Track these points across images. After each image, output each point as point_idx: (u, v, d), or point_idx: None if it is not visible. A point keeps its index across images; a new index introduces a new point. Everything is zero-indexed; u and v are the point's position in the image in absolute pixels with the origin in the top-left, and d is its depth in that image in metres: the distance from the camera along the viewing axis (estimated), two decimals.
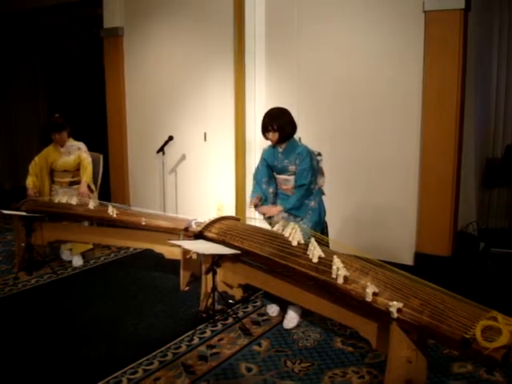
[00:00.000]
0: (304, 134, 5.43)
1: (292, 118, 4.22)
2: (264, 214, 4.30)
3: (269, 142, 4.28)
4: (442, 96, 4.95)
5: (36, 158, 5.69)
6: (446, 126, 4.96)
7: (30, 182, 5.61)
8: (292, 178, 4.21)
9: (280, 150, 4.22)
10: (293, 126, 4.20)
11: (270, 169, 4.34)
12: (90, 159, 5.65)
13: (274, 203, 4.33)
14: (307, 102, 5.77)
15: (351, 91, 5.50)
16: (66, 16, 8.68)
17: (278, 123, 4.10)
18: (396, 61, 5.21)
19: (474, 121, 5.58)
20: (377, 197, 5.45)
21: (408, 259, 5.27)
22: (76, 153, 5.62)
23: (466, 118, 5.17)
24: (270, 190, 4.36)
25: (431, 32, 4.92)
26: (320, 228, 4.20)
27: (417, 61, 5.06)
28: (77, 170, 5.66)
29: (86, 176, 5.57)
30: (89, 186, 5.60)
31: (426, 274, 3.24)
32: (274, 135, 4.14)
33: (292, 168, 4.17)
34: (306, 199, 4.16)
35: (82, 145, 5.70)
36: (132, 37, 7.26)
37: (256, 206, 4.32)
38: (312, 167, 4.12)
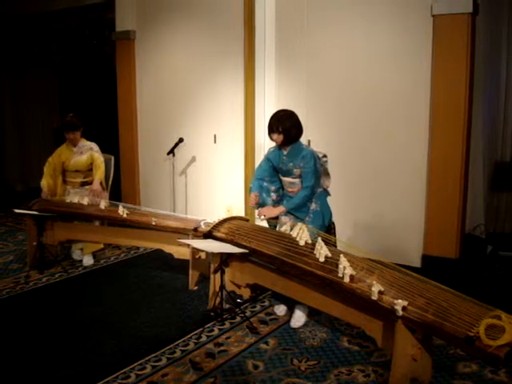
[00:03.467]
0: (313, 137, 5.51)
1: (298, 121, 4.22)
2: (264, 216, 4.31)
3: (274, 144, 4.31)
4: (450, 100, 4.97)
5: (49, 159, 5.74)
6: (453, 129, 4.98)
7: (44, 183, 5.67)
8: (297, 180, 4.23)
9: (285, 152, 4.24)
10: (298, 129, 4.21)
11: (273, 169, 4.36)
12: (102, 159, 5.70)
13: (278, 203, 4.36)
14: (316, 105, 5.81)
15: (360, 95, 5.53)
16: (78, 19, 8.77)
17: (284, 125, 4.11)
18: (404, 64, 5.24)
19: (482, 124, 5.60)
20: (385, 199, 5.47)
21: (415, 261, 5.29)
22: (88, 153, 5.68)
23: (474, 122, 5.20)
24: (272, 187, 4.38)
25: (439, 36, 4.95)
26: (324, 231, 4.19)
27: (425, 64, 5.09)
28: (88, 170, 5.71)
29: (99, 174, 5.61)
30: (101, 184, 5.65)
31: (433, 276, 3.26)
32: (279, 137, 4.15)
33: (297, 171, 4.19)
34: (307, 201, 4.18)
35: (94, 145, 5.76)
36: (143, 40, 7.34)
37: (257, 206, 4.36)
38: (316, 170, 4.13)
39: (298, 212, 4.18)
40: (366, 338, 3.73)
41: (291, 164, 4.19)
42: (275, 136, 4.16)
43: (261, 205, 4.37)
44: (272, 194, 4.39)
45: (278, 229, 4.26)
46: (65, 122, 5.73)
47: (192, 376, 3.40)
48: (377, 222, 5.53)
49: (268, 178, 4.38)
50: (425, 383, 3.12)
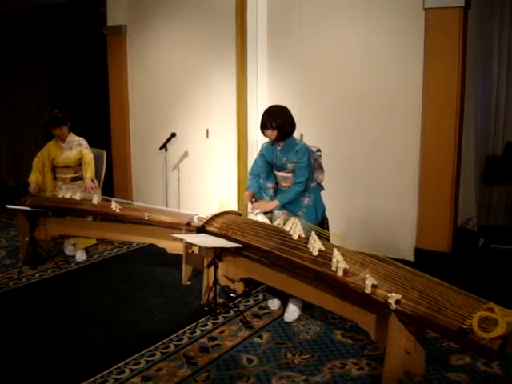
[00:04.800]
0: (305, 132, 5.50)
1: (291, 116, 4.19)
2: (259, 211, 4.28)
3: (267, 138, 4.30)
4: (442, 94, 4.99)
5: (38, 154, 5.71)
6: (446, 123, 5.00)
7: (32, 177, 5.63)
8: (291, 175, 4.21)
9: (278, 147, 4.21)
10: (292, 124, 4.17)
11: (268, 165, 4.34)
12: (91, 155, 5.66)
13: (274, 198, 4.33)
14: (309, 100, 5.81)
15: (352, 88, 5.53)
16: (69, 14, 8.71)
17: (277, 121, 4.06)
18: (396, 58, 5.25)
19: (474, 118, 5.62)
20: (378, 193, 5.49)
21: (408, 255, 5.31)
22: (77, 148, 5.63)
23: (466, 116, 5.22)
24: (269, 185, 4.36)
25: (431, 29, 4.96)
26: (317, 225, 4.18)
27: (417, 58, 5.10)
28: (78, 165, 5.67)
29: (90, 172, 5.58)
30: (92, 181, 5.62)
31: (426, 270, 3.27)
32: (273, 133, 4.11)
33: (290, 166, 4.16)
34: (300, 195, 4.18)
35: (82, 140, 5.71)
36: (135, 34, 7.32)
37: (251, 203, 4.35)
38: (309, 165, 4.12)
39: (291, 206, 4.18)
40: (359, 332, 3.74)
41: (285, 159, 4.17)
42: (269, 132, 4.13)
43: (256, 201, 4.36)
44: (270, 190, 4.37)
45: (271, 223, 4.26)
46: (50, 118, 5.69)
47: (186, 370, 3.40)
48: (370, 216, 5.55)
49: (264, 174, 4.35)
50: (418, 376, 3.12)
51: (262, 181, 4.36)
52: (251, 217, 4.68)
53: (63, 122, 5.57)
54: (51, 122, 5.60)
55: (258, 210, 4.31)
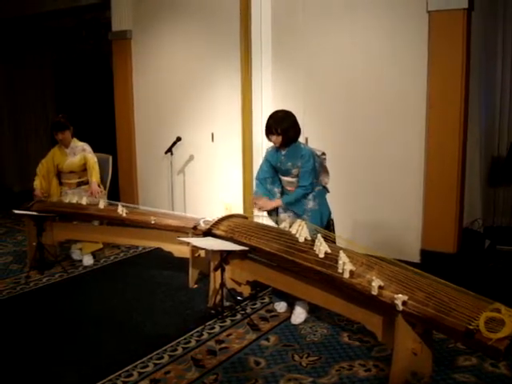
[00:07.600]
0: (311, 136, 5.51)
1: (296, 121, 4.18)
2: (260, 208, 4.29)
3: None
4: (447, 95, 4.98)
5: (43, 161, 5.76)
6: (450, 124, 5.00)
7: (37, 183, 5.69)
8: (296, 180, 4.21)
9: (283, 152, 4.20)
10: (296, 130, 4.16)
11: (273, 169, 4.34)
12: (95, 159, 5.71)
13: None
14: (313, 104, 5.81)
15: (357, 92, 5.54)
16: (74, 19, 8.77)
17: (282, 127, 4.05)
18: (400, 61, 5.25)
19: (478, 119, 5.62)
20: (383, 195, 5.49)
21: (414, 256, 5.30)
22: (81, 154, 5.69)
23: (470, 117, 5.21)
24: (276, 189, 4.36)
25: (435, 32, 4.96)
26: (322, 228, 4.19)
27: (421, 60, 5.09)
28: (83, 170, 5.73)
29: (95, 176, 5.63)
30: (98, 185, 5.66)
31: (431, 271, 3.28)
32: (278, 138, 4.10)
33: (295, 171, 4.17)
34: (304, 198, 4.19)
35: (86, 145, 5.76)
36: (140, 39, 7.35)
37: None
38: (314, 170, 4.14)
39: (295, 207, 4.19)
40: (366, 333, 3.75)
41: (290, 164, 4.17)
42: (274, 138, 4.13)
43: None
44: (277, 194, 4.36)
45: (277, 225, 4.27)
46: (53, 123, 5.75)
47: (194, 373, 3.42)
48: (375, 218, 5.55)
49: (270, 179, 4.36)
50: (425, 377, 3.14)
51: (268, 185, 4.37)
52: (257, 219, 4.70)
53: (66, 126, 5.61)
54: (54, 127, 5.66)
55: (258, 208, 4.31)
